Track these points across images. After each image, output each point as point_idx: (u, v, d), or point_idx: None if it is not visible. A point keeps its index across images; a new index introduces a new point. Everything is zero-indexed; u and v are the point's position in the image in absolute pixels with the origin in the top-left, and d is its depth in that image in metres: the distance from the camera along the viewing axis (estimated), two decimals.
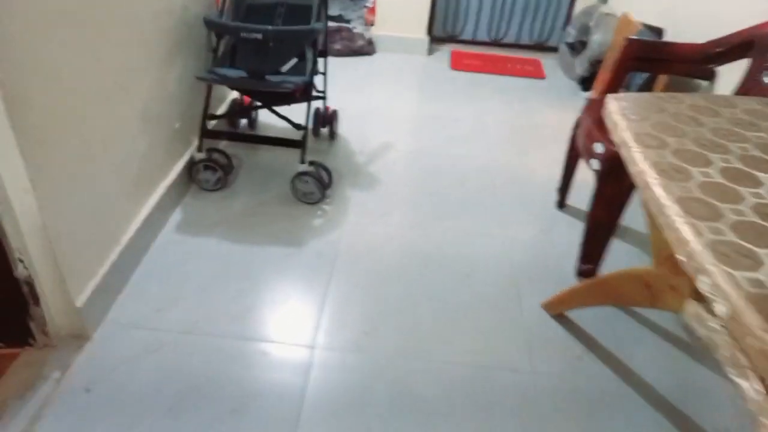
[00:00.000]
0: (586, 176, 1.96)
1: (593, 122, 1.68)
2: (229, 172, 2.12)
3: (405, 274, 1.74)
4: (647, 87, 2.12)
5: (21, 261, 1.25)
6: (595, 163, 1.59)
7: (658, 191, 0.91)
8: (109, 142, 1.48)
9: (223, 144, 2.22)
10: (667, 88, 2.08)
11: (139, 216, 1.69)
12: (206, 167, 2.01)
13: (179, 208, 1.94)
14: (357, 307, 1.60)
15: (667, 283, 1.20)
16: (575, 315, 1.61)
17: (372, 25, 3.81)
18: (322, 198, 2.04)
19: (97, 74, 1.38)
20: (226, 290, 1.62)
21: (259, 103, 2.27)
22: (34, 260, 1.26)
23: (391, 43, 3.49)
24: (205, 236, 1.82)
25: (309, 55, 2.06)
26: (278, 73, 2.03)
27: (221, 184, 2.06)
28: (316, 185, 2.00)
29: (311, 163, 2.04)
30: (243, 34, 1.81)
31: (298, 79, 1.95)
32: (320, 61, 2.16)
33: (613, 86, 1.81)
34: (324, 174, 2.07)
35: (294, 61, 2.06)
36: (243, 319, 1.52)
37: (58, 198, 1.28)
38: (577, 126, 1.87)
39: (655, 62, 1.78)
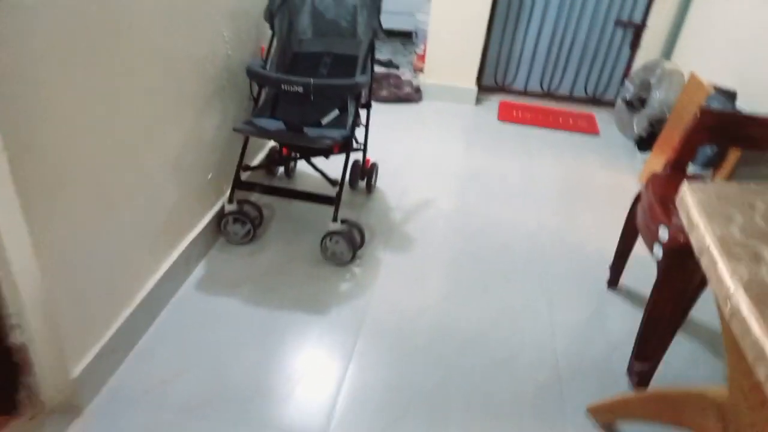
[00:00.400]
0: (642, 251, 1.76)
1: (657, 200, 1.50)
2: (258, 225, 2.03)
3: (435, 355, 1.57)
4: (717, 161, 1.92)
5: (17, 327, 1.17)
6: (658, 251, 1.40)
7: (753, 325, 0.73)
8: (131, 195, 1.41)
9: (255, 195, 2.15)
10: (741, 163, 1.87)
11: (159, 271, 1.61)
12: (236, 220, 1.93)
13: (204, 261, 1.86)
14: (378, 393, 1.44)
15: (747, 420, 1.00)
16: (628, 428, 1.40)
17: (421, 71, 3.75)
18: (353, 259, 1.91)
19: (121, 122, 1.32)
20: (240, 362, 1.50)
21: (297, 155, 2.20)
22: (31, 327, 1.17)
23: (438, 91, 3.40)
24: (226, 296, 1.72)
25: (351, 108, 1.98)
26: (318, 125, 1.95)
27: (250, 238, 1.97)
28: (347, 246, 1.88)
29: (344, 222, 1.92)
30: (284, 87, 1.74)
31: (337, 135, 1.86)
32: (363, 112, 2.07)
33: (682, 160, 1.63)
34: (356, 234, 1.95)
35: (335, 113, 1.98)
36: (252, 401, 1.39)
37: (66, 258, 1.21)
38: (637, 200, 1.68)
39: (732, 136, 1.59)
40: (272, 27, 2.02)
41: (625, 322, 1.74)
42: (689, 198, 1.03)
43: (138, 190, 1.44)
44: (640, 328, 1.48)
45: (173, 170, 1.60)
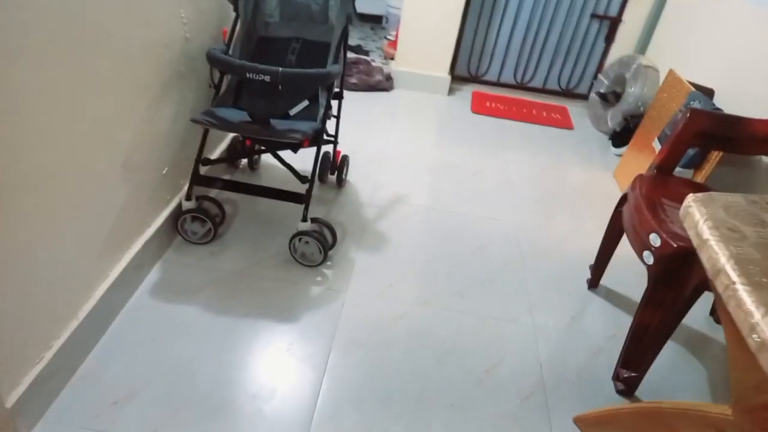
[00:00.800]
0: (622, 251, 1.71)
1: (646, 204, 1.43)
2: (220, 223, 1.88)
3: (413, 367, 1.47)
4: (699, 161, 1.88)
5: None
6: (649, 257, 1.33)
7: None
8: (76, 198, 1.24)
9: (216, 190, 1.99)
10: (720, 164, 1.84)
11: (108, 278, 1.45)
12: (194, 218, 1.77)
13: (159, 264, 1.70)
14: (353, 411, 1.34)
15: None
16: None
17: (392, 59, 3.62)
18: (324, 260, 1.79)
19: (64, 118, 1.14)
20: (200, 378, 1.36)
21: (261, 147, 2.04)
22: None
23: (410, 80, 3.28)
24: (185, 303, 1.57)
25: (322, 99, 1.84)
26: (287, 116, 1.81)
27: (210, 237, 1.81)
28: (318, 247, 1.75)
29: (314, 221, 1.80)
30: (249, 75, 1.58)
31: (307, 128, 1.72)
32: (334, 102, 1.94)
33: (670, 162, 1.57)
34: (327, 233, 1.82)
35: (305, 104, 1.84)
36: (213, 421, 1.26)
37: (5, 272, 1.04)
38: (622, 201, 1.62)
39: (722, 139, 1.54)
40: (236, 8, 1.85)
41: (607, 325, 1.69)
42: (696, 212, 0.96)
43: (84, 191, 1.27)
44: (627, 336, 1.42)
45: (125, 167, 1.43)
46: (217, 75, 1.82)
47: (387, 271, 1.81)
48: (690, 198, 1.02)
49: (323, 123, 1.81)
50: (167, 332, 1.47)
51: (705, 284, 1.19)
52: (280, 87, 1.73)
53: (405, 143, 2.66)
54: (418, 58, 3.23)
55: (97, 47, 1.21)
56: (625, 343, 1.44)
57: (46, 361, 1.20)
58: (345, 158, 2.22)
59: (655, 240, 1.32)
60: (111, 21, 1.25)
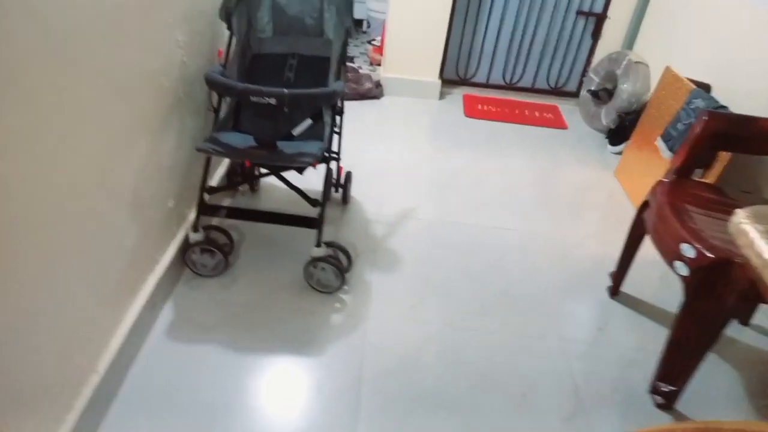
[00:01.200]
0: (641, 254, 1.70)
1: (671, 211, 1.42)
2: (229, 253, 1.80)
3: (450, 397, 1.43)
4: (709, 162, 1.88)
5: None
6: (682, 269, 1.32)
7: None
8: (83, 247, 1.16)
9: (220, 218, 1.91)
10: (731, 163, 1.84)
11: (124, 325, 1.37)
12: (203, 250, 1.69)
13: (170, 301, 1.62)
14: None
15: None
16: None
17: (378, 65, 3.57)
18: (341, 286, 1.73)
19: (65, 162, 1.06)
20: (227, 426, 1.29)
21: (264, 171, 1.97)
22: None
23: (399, 86, 3.23)
24: (202, 342, 1.50)
25: (327, 117, 1.78)
26: (290, 137, 1.74)
27: (221, 269, 1.74)
28: (335, 272, 1.69)
29: (329, 245, 1.74)
30: (253, 99, 1.51)
31: (315, 149, 1.66)
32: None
33: (688, 165, 1.56)
34: (343, 257, 1.77)
35: (308, 123, 1.77)
36: None
37: (10, 343, 0.96)
38: (644, 207, 1.60)
39: (735, 139, 1.53)
40: (230, 26, 1.77)
41: (635, 335, 1.67)
42: (751, 230, 0.93)
43: (91, 238, 1.19)
44: (664, 349, 1.40)
45: (131, 206, 1.35)
46: (216, 98, 1.75)
47: (406, 292, 1.76)
48: (740, 214, 1.00)
49: (330, 142, 1.76)
50: (186, 375, 1.39)
51: (749, 294, 1.17)
52: (285, 109, 1.67)
53: (403, 153, 2.61)
54: (407, 63, 3.18)
55: (96, 81, 1.13)
56: (662, 357, 1.42)
57: (70, 425, 1.12)
58: (349, 174, 2.16)
59: (688, 251, 1.30)
60: (109, 52, 1.17)
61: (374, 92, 3.21)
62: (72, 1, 1.00)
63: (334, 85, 1.77)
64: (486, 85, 3.46)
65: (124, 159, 1.30)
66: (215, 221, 1.88)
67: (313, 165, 1.68)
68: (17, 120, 0.90)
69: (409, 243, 1.99)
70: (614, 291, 1.82)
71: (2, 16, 0.83)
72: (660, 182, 1.55)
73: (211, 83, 1.57)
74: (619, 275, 1.78)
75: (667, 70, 2.31)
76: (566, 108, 3.32)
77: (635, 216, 1.65)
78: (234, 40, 1.79)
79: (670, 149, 2.10)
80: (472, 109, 3.16)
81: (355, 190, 2.26)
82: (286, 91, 1.52)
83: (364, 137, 2.71)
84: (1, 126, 0.87)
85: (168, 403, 1.32)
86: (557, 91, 3.47)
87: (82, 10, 1.03)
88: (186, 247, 1.69)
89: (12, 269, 0.93)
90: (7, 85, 0.86)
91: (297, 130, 1.76)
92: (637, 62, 2.83)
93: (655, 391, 1.45)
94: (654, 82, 2.64)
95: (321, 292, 1.72)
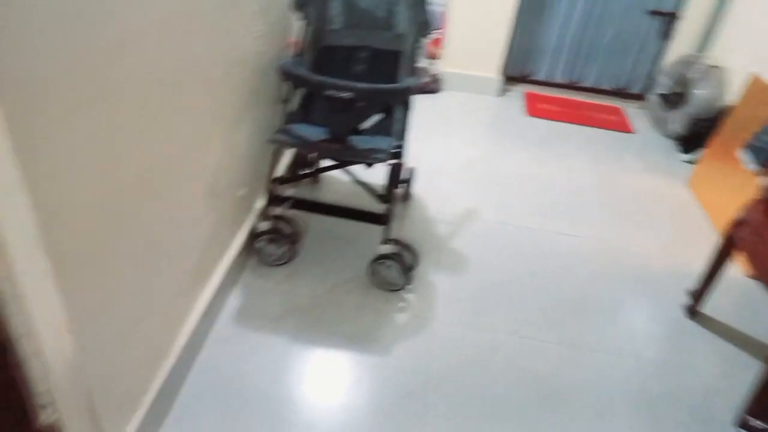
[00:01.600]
0: (733, 274, 1.61)
1: None
2: (296, 242, 1.80)
3: (520, 412, 1.38)
4: None
5: (48, 406, 0.94)
6: None
7: None
8: (167, 235, 1.17)
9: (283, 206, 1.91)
10: None
11: (195, 312, 1.38)
12: (271, 240, 1.69)
13: (237, 289, 1.63)
14: None
15: None
16: None
17: (435, 58, 3.51)
18: (406, 285, 1.71)
19: (156, 156, 1.07)
20: (297, 421, 1.29)
21: (332, 163, 1.96)
22: (63, 406, 0.94)
23: (458, 81, 3.16)
24: (265, 332, 1.50)
25: (399, 113, 1.74)
26: (360, 130, 1.72)
27: (287, 258, 1.74)
28: (401, 271, 1.67)
29: (395, 243, 1.71)
30: (328, 92, 1.49)
31: (386, 145, 1.63)
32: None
33: None
34: (408, 256, 1.74)
35: (378, 117, 1.74)
36: None
37: (98, 325, 0.97)
38: (735, 226, 1.51)
39: None
40: (304, 18, 1.75)
41: (718, 360, 1.58)
42: None
43: (173, 229, 1.19)
44: (760, 383, 1.32)
45: (208, 196, 1.36)
46: (288, 89, 1.74)
47: (471, 296, 1.72)
48: None
49: (400, 138, 1.73)
50: (252, 366, 1.40)
51: None
52: (359, 103, 1.64)
53: (463, 150, 2.56)
54: (467, 57, 3.12)
55: (187, 72, 1.13)
56: (756, 390, 1.33)
57: (144, 408, 1.14)
58: (411, 170, 2.13)
59: None
60: (201, 42, 1.16)
61: (431, 86, 3.15)
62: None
63: (407, 81, 1.74)
64: (548, 84, 3.35)
65: (205, 149, 1.30)
66: (280, 211, 1.88)
67: (385, 161, 1.66)
68: (120, 102, 0.90)
69: (473, 244, 1.94)
70: (693, 310, 1.73)
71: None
72: (757, 202, 1.46)
73: (287, 74, 1.56)
74: (700, 294, 1.69)
75: (756, 79, 2.18)
76: (631, 111, 3.20)
77: (725, 233, 1.56)
78: (306, 31, 1.77)
79: (758, 162, 1.98)
80: (533, 108, 3.08)
81: (416, 187, 2.22)
82: (360, 85, 1.50)
83: (422, 132, 2.66)
84: (103, 108, 0.87)
85: (232, 391, 1.33)
86: (622, 93, 3.34)
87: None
88: (254, 236, 1.69)
89: (101, 263, 0.94)
90: (104, 67, 0.86)
91: (366, 125, 1.73)
92: (713, 66, 2.68)
93: (743, 425, 1.37)
94: (732, 89, 2.50)
95: (385, 289, 1.70)
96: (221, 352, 1.43)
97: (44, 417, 0.95)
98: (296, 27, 1.81)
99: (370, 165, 1.77)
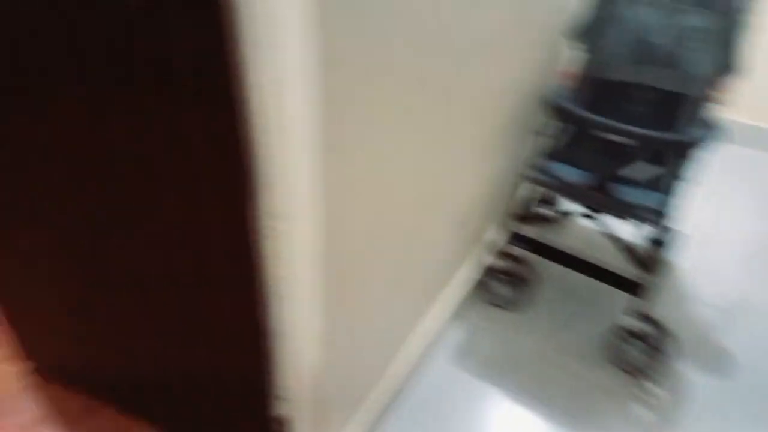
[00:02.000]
0: None
1: None
2: (529, 287, 1.65)
3: None
4: None
5: (283, 398, 0.98)
6: None
7: None
8: (412, 256, 1.14)
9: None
10: None
11: (415, 336, 1.34)
12: (505, 280, 1.57)
13: (459, 322, 1.55)
14: None
15: None
16: None
17: (722, 103, 2.96)
18: (651, 373, 1.41)
19: (428, 173, 1.04)
20: None
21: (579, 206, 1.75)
22: (299, 400, 0.97)
23: (750, 135, 2.60)
24: (479, 376, 1.38)
25: (677, 168, 1.46)
26: (622, 179, 1.48)
27: (516, 304, 1.60)
28: (648, 353, 1.39)
29: (645, 318, 1.43)
30: (606, 134, 1.31)
31: (655, 203, 1.38)
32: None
33: None
34: (660, 338, 1.44)
35: (646, 168, 1.49)
36: None
37: (343, 337, 0.98)
38: None
39: None
40: (580, 48, 1.60)
41: None
42: None
43: (418, 251, 1.16)
44: None
45: (451, 224, 1.31)
46: (546, 121, 1.60)
47: (742, 410, 1.34)
48: None
49: (672, 195, 1.45)
50: (458, 407, 1.30)
51: None
52: (630, 149, 1.42)
53: (747, 221, 2.07)
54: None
55: (468, 100, 1.08)
56: None
57: (360, 416, 1.13)
58: (675, 234, 1.78)
59: None
60: (484, 71, 1.11)
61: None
62: (469, 20, 0.95)
63: (694, 132, 1.46)
64: None
65: (461, 172, 1.25)
66: (518, 252, 1.75)
67: (652, 223, 1.40)
68: (423, 118, 0.89)
69: (750, 344, 1.53)
70: None
71: (424, 26, 0.81)
72: None
73: (556, 109, 1.43)
74: None
75: None
76: None
77: None
78: (578, 63, 1.61)
79: None
80: None
81: (678, 256, 1.86)
82: (650, 132, 1.29)
83: (693, 191, 2.24)
84: (411, 121, 0.86)
85: (437, 427, 1.24)
86: None
87: (476, 29, 0.99)
88: (488, 273, 1.59)
89: (367, 271, 0.94)
90: (408, 93, 0.85)
91: (630, 173, 1.49)
92: None
93: None
94: None
95: (621, 369, 1.43)
96: (431, 382, 1.37)
97: (277, 408, 1.00)
98: (566, 56, 1.67)
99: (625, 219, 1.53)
